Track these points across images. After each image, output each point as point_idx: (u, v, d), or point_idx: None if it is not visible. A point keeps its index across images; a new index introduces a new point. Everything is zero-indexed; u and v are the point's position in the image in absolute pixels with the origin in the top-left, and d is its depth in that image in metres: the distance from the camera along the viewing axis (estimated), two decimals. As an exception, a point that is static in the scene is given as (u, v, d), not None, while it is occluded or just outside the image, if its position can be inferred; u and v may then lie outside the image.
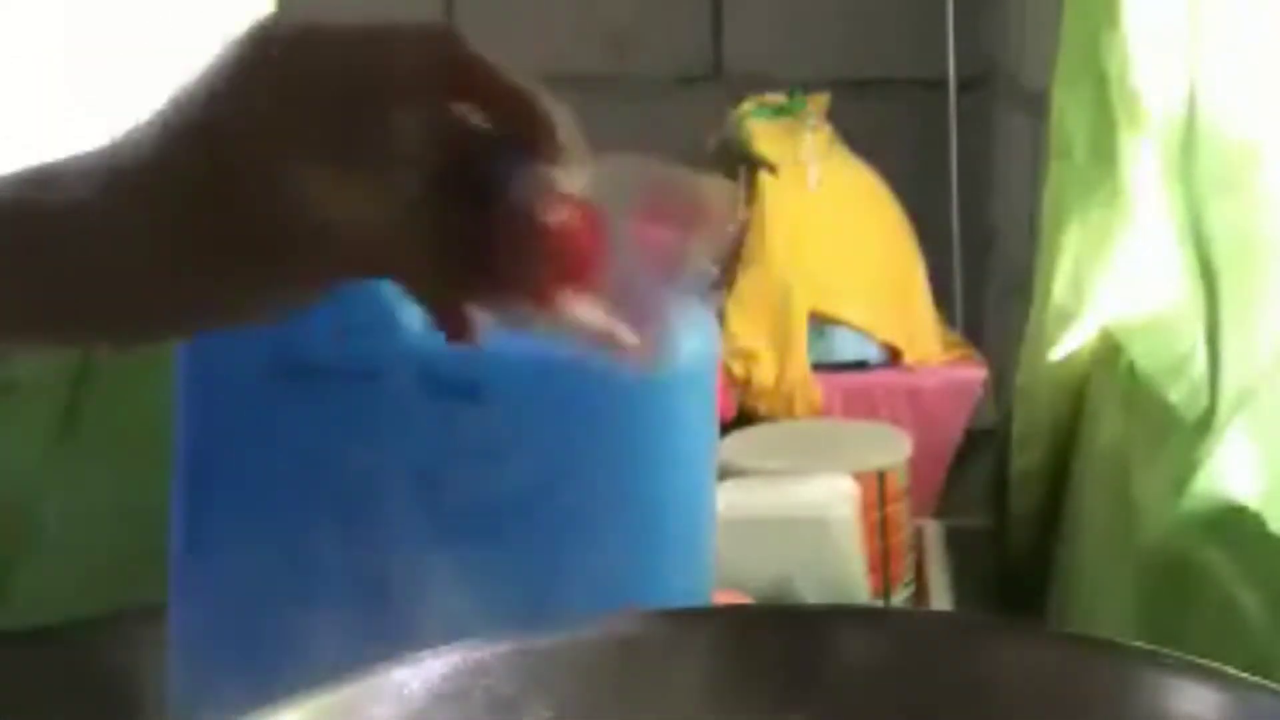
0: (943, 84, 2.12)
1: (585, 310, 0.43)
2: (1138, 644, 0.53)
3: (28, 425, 1.59)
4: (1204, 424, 0.92)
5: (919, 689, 0.53)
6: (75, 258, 0.41)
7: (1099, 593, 1.14)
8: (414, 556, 0.68)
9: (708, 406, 0.76)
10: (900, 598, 1.19)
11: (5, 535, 1.68)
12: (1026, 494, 1.38)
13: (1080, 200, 1.21)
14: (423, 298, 0.44)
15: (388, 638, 0.52)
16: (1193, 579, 0.88)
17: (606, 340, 0.43)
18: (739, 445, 1.24)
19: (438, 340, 0.71)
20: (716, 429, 0.80)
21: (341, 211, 0.41)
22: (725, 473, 1.10)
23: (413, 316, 0.72)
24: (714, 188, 0.45)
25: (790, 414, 1.76)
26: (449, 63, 0.42)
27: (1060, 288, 1.25)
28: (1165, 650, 0.51)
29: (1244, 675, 0.49)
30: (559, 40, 2.37)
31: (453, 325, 0.44)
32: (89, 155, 0.42)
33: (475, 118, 0.42)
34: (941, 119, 2.13)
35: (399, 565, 0.68)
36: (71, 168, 0.42)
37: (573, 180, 0.42)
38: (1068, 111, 1.22)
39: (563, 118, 0.42)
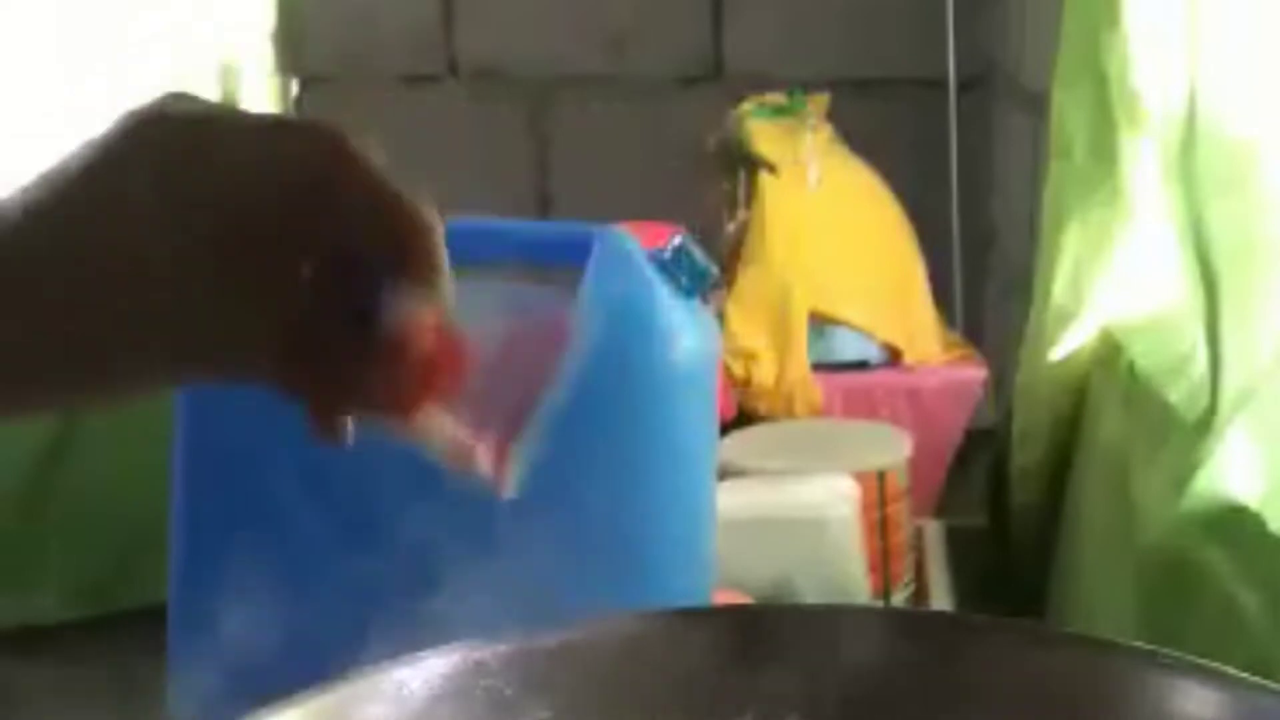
0: (943, 84, 2.12)
1: (445, 427, 0.45)
2: (1138, 644, 0.53)
3: (28, 426, 1.59)
4: (1204, 424, 0.92)
5: (919, 689, 0.53)
6: None
7: (1099, 592, 1.14)
8: (414, 556, 0.68)
9: (708, 406, 0.76)
10: (900, 597, 1.19)
11: (6, 535, 1.68)
12: (1026, 493, 1.38)
13: (1080, 200, 1.21)
14: (294, 401, 0.45)
15: (388, 637, 0.52)
16: (1193, 578, 0.88)
17: (462, 458, 0.45)
18: (739, 445, 1.24)
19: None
20: (716, 429, 0.80)
21: (216, 305, 0.41)
22: (725, 473, 1.10)
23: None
24: (568, 312, 0.47)
25: (790, 414, 1.76)
26: (334, 162, 0.42)
27: (1060, 287, 1.25)
28: (1165, 650, 0.51)
29: (1244, 675, 0.49)
30: (559, 40, 2.37)
31: (322, 428, 0.45)
32: None
33: (353, 225, 0.43)
34: (941, 119, 2.13)
35: (399, 565, 0.68)
36: None
37: (439, 298, 0.43)
38: (1068, 111, 1.22)
39: (435, 234, 0.43)
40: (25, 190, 0.41)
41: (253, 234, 0.41)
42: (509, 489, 0.46)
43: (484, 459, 0.46)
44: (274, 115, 0.44)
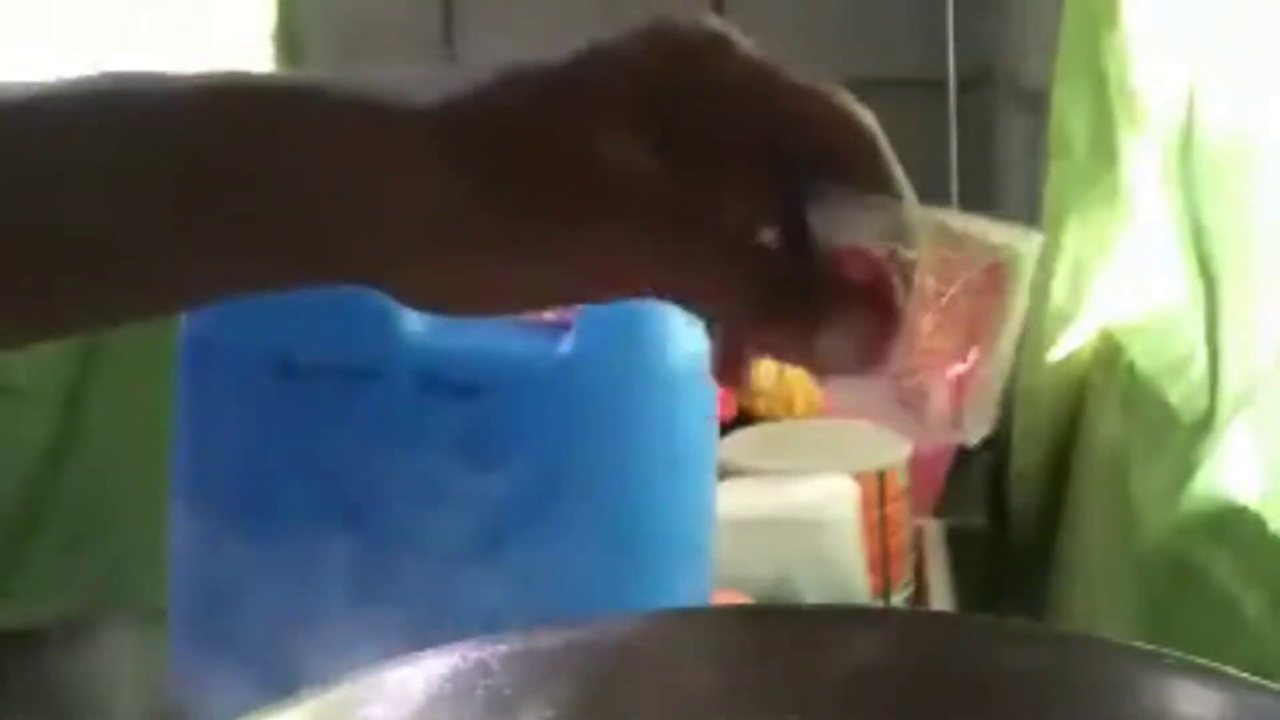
0: (942, 84, 2.12)
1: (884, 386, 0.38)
2: (1138, 644, 0.53)
3: (29, 427, 1.59)
4: (1204, 424, 0.92)
5: (918, 689, 0.53)
6: (348, 187, 0.37)
7: (1098, 592, 1.14)
8: (414, 556, 0.68)
9: (708, 406, 0.76)
10: (900, 597, 1.19)
11: (6, 535, 1.68)
12: (1026, 493, 1.38)
13: (1080, 200, 1.21)
14: (717, 326, 0.40)
15: (388, 637, 0.52)
16: (1192, 578, 0.88)
17: (911, 401, 0.38)
18: (739, 445, 1.24)
19: (437, 340, 0.71)
20: (716, 429, 0.80)
21: (662, 201, 0.36)
22: (725, 473, 1.10)
23: (413, 317, 0.72)
24: (1014, 239, 0.38)
25: (790, 414, 1.76)
26: (749, 72, 0.38)
27: (1060, 288, 1.25)
28: (1165, 650, 0.51)
29: (1244, 675, 0.49)
30: (560, 42, 2.37)
31: (728, 367, 0.40)
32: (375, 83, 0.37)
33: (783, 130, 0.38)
34: (941, 119, 2.13)
35: (399, 565, 0.68)
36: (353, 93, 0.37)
37: (885, 214, 0.37)
38: (1067, 111, 1.22)
39: (881, 136, 0.38)
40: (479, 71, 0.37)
41: (721, 149, 0.37)
42: (975, 429, 0.38)
43: (939, 400, 0.38)
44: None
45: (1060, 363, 1.28)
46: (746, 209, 0.38)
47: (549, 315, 0.84)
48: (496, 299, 0.39)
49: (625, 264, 0.37)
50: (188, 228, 0.37)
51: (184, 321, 0.75)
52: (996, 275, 0.37)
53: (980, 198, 2.16)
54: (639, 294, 0.39)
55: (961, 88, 2.13)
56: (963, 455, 1.72)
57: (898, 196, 0.38)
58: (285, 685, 0.48)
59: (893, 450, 1.21)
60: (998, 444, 1.53)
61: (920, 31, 2.17)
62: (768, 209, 0.38)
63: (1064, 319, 1.26)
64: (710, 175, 0.38)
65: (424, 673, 0.51)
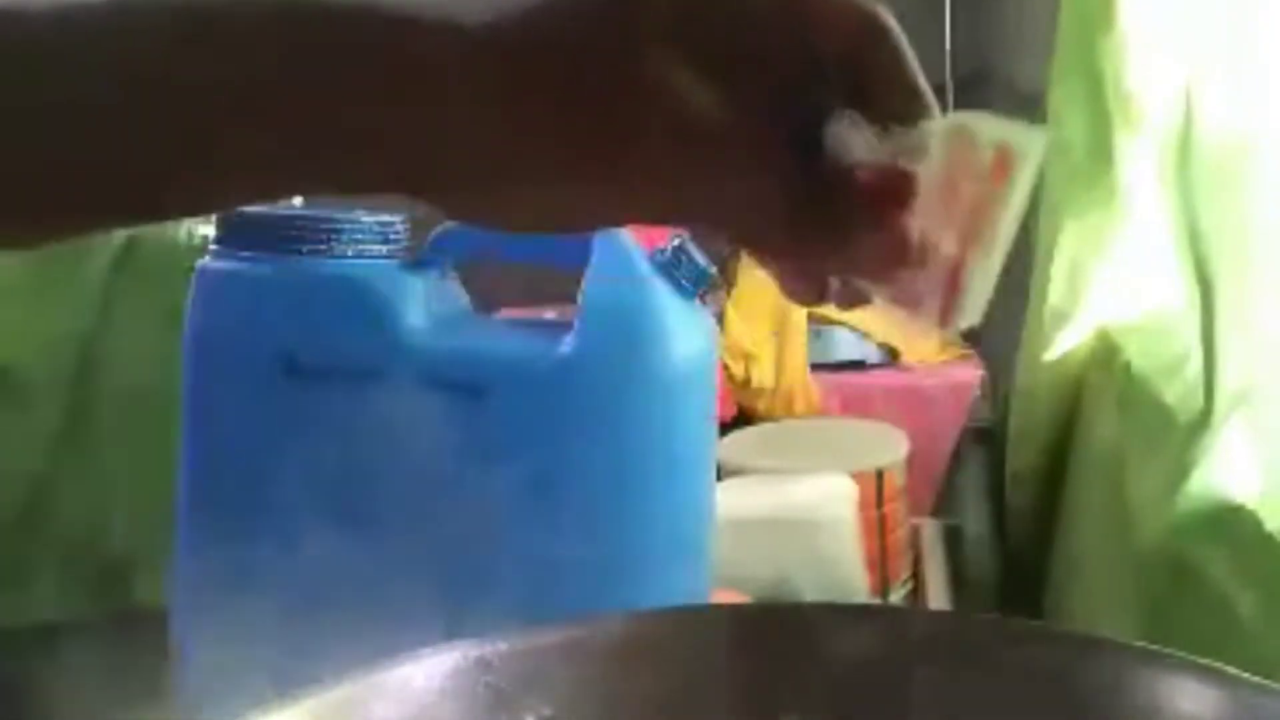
0: (940, 86, 2.12)
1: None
2: (1135, 642, 0.53)
3: (30, 425, 1.59)
4: (1200, 423, 0.92)
5: (917, 688, 0.54)
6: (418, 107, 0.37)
7: (1096, 591, 1.14)
8: (415, 555, 0.69)
9: (707, 406, 0.76)
10: (897, 596, 1.19)
11: (7, 535, 1.68)
12: (1023, 493, 1.38)
13: (1076, 201, 1.22)
14: (765, 251, 0.41)
15: (390, 635, 0.53)
16: (1189, 578, 0.88)
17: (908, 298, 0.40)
18: (739, 445, 1.24)
19: (439, 340, 0.72)
20: (715, 429, 0.80)
21: (713, 125, 0.37)
22: (725, 473, 1.10)
23: (415, 316, 0.73)
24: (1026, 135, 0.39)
25: (789, 414, 1.77)
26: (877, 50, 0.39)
27: (1057, 288, 1.25)
28: (1165, 650, 0.51)
29: (1244, 675, 0.49)
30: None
31: (802, 285, 0.42)
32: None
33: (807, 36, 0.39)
34: (939, 120, 2.14)
35: (400, 564, 0.68)
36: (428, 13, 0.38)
37: (913, 140, 0.38)
38: (1063, 113, 1.23)
39: (902, 42, 0.39)
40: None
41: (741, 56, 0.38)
42: (965, 319, 0.40)
43: (932, 291, 0.40)
44: None
45: (1057, 362, 1.29)
46: (772, 121, 0.39)
47: (549, 315, 0.85)
48: (551, 217, 0.40)
49: (671, 181, 0.38)
50: (253, 134, 0.38)
51: (188, 321, 0.75)
52: (1001, 167, 0.39)
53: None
54: (682, 216, 0.40)
55: (958, 89, 2.14)
56: (960, 455, 1.72)
57: (920, 107, 0.39)
58: (286, 684, 0.48)
59: (891, 449, 1.21)
60: (995, 443, 1.53)
61: (917, 33, 2.17)
62: (793, 122, 0.39)
63: (1061, 319, 1.27)
64: (744, 90, 0.38)
65: (424, 671, 0.51)
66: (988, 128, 0.39)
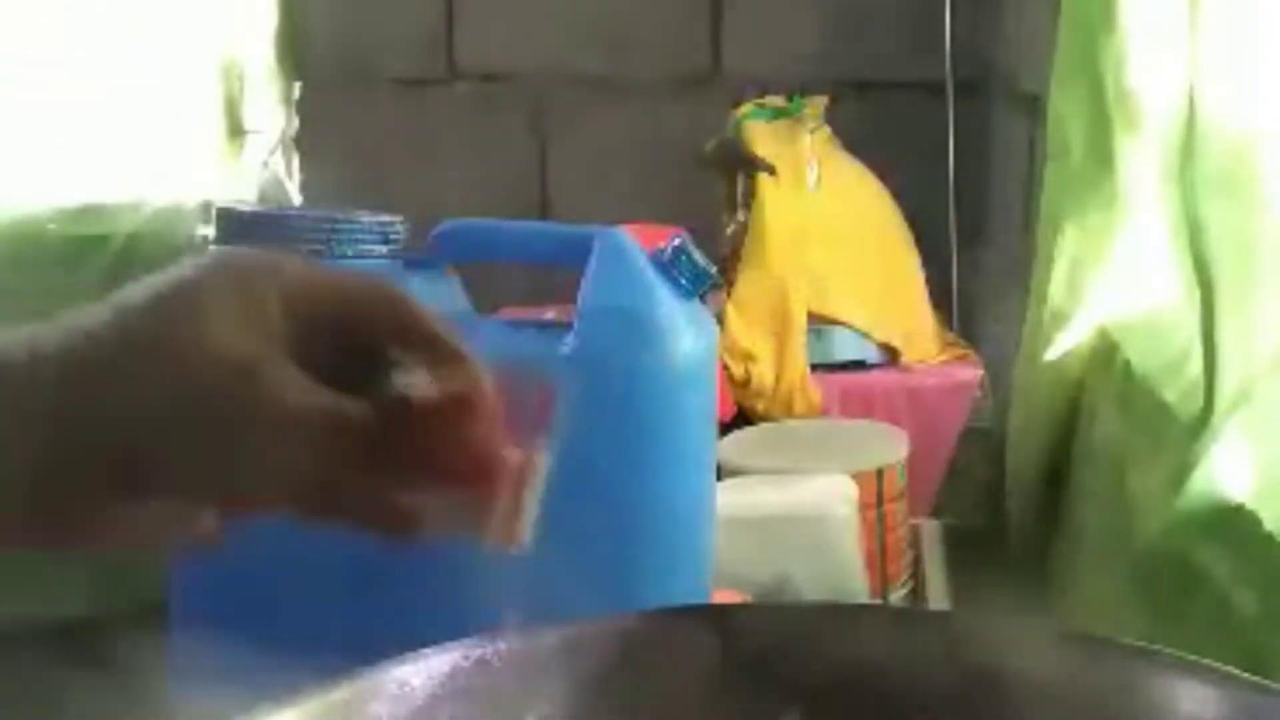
0: (940, 86, 2.13)
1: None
2: (1135, 642, 0.53)
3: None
4: (1200, 423, 0.92)
5: (917, 688, 0.54)
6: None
7: (1096, 591, 1.14)
8: (415, 555, 0.68)
9: (707, 406, 0.76)
10: (897, 596, 1.19)
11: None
12: (1023, 493, 1.38)
13: (1077, 201, 1.22)
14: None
15: (389, 636, 0.53)
16: (1189, 577, 0.88)
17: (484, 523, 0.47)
18: (738, 445, 1.24)
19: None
20: (715, 429, 0.80)
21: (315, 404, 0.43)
22: (725, 473, 1.10)
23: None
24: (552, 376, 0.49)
25: (789, 414, 1.76)
26: (396, 313, 0.46)
27: (1057, 288, 1.25)
28: (1165, 650, 0.51)
29: (1244, 675, 0.49)
30: (559, 40, 2.37)
31: (395, 523, 0.47)
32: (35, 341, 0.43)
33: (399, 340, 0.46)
34: (939, 121, 2.14)
35: (400, 564, 0.68)
36: (16, 351, 0.42)
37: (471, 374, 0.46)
38: (1065, 113, 1.23)
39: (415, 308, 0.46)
40: (107, 317, 0.43)
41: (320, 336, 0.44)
42: (521, 545, 0.49)
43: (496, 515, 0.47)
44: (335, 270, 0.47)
45: (1057, 362, 1.28)
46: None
47: (549, 315, 0.85)
48: (113, 534, 0.46)
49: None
50: None
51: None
52: (544, 398, 0.48)
53: (978, 200, 2.16)
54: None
55: (959, 90, 2.14)
56: (960, 454, 1.72)
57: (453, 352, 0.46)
58: (286, 685, 0.48)
59: (891, 449, 1.21)
60: (995, 443, 1.53)
61: (918, 34, 2.17)
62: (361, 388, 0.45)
63: (1061, 318, 1.26)
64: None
65: (425, 671, 0.51)
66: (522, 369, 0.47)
